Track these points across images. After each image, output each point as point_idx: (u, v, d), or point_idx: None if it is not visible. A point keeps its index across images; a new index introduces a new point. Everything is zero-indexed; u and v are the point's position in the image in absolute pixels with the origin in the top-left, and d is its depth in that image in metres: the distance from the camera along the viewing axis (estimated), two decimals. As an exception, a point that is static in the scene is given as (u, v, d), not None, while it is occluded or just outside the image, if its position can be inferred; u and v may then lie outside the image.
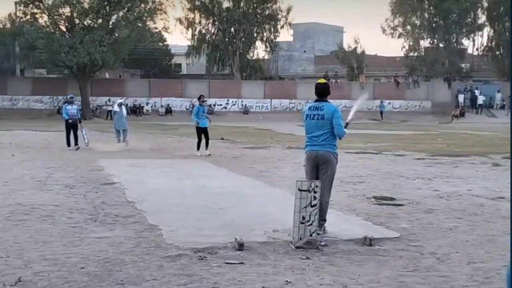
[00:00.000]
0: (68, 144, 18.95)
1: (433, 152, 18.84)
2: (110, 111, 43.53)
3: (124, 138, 20.54)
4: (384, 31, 57.37)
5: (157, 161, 15.83)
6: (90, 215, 8.42)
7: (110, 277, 5.55)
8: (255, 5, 55.11)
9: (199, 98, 18.41)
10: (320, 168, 7.35)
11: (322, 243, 6.78)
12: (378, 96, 51.69)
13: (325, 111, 7.28)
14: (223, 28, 54.54)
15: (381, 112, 48.62)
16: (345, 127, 7.46)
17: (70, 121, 19.04)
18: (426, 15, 56.14)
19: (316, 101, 7.45)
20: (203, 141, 17.53)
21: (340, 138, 7.41)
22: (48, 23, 44.69)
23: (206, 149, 17.44)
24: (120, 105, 21.28)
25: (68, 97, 20.48)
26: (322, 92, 7.44)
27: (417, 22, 56.71)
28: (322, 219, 7.18)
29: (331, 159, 7.34)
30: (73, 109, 19.46)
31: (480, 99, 49.78)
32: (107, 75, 55.79)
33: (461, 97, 50.02)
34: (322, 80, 7.66)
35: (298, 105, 51.14)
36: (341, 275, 5.71)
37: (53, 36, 43.01)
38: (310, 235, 6.61)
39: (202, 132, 17.57)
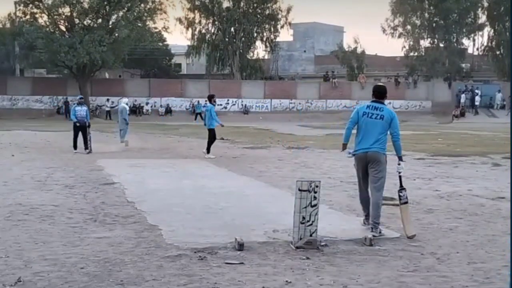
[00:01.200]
0: (75, 147, 17.81)
1: (433, 152, 18.83)
2: (109, 111, 43.67)
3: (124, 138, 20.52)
4: (384, 31, 57.45)
5: (157, 161, 15.82)
6: (90, 215, 8.42)
7: (110, 277, 5.54)
8: (255, 5, 55.11)
9: (211, 98, 17.31)
10: (371, 168, 7.35)
11: (322, 243, 6.77)
12: (378, 96, 51.67)
13: (385, 112, 7.38)
14: (223, 28, 54.55)
15: None
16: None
17: (78, 124, 17.93)
18: (426, 15, 56.14)
19: (373, 101, 7.52)
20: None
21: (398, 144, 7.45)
22: (47, 23, 44.69)
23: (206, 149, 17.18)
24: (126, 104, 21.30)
25: (78, 98, 19.55)
26: (382, 94, 7.57)
27: (417, 22, 56.72)
28: (376, 222, 7.28)
29: (382, 160, 7.37)
30: (82, 110, 18.25)
31: (477, 100, 49.67)
32: (107, 75, 55.80)
33: (463, 97, 50.01)
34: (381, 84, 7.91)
35: (298, 105, 51.19)
36: (341, 275, 5.71)
37: (52, 36, 43.02)
38: (310, 235, 6.61)
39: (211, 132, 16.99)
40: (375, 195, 7.32)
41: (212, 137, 17.01)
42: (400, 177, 7.56)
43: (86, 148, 17.76)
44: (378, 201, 7.32)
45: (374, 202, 7.31)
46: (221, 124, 17.17)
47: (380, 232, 7.24)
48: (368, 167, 7.39)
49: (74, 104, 20.92)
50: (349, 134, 7.67)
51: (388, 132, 7.42)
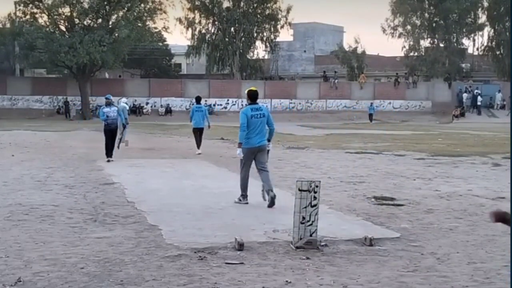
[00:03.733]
0: (108, 154, 15.66)
1: (433, 152, 18.83)
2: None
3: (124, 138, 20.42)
4: (384, 31, 57.50)
5: (157, 161, 15.82)
6: (90, 215, 8.42)
7: (110, 277, 5.54)
8: (255, 5, 55.12)
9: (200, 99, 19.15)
10: (260, 155, 9.42)
11: (322, 243, 6.77)
12: (378, 96, 51.74)
13: (263, 111, 9.52)
14: (223, 28, 54.55)
15: (371, 115, 45.24)
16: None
17: (110, 126, 15.76)
18: (426, 15, 56.17)
19: (252, 104, 9.44)
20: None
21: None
22: (47, 23, 44.70)
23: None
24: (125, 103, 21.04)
25: (105, 97, 16.50)
26: (256, 97, 9.56)
27: (417, 22, 56.76)
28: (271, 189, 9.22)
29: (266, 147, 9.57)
30: (112, 111, 15.88)
31: (479, 100, 49.69)
32: (107, 75, 55.81)
33: (465, 96, 50.02)
34: (254, 88, 9.76)
35: (298, 105, 51.19)
36: (341, 275, 5.70)
37: (52, 36, 43.02)
38: (310, 235, 6.60)
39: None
40: (266, 172, 9.31)
41: (201, 136, 18.26)
42: (268, 151, 9.72)
43: (110, 155, 15.69)
44: (268, 174, 9.35)
45: (266, 176, 9.26)
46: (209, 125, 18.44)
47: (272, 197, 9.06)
48: (257, 155, 9.37)
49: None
50: (245, 135, 9.29)
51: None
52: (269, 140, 9.64)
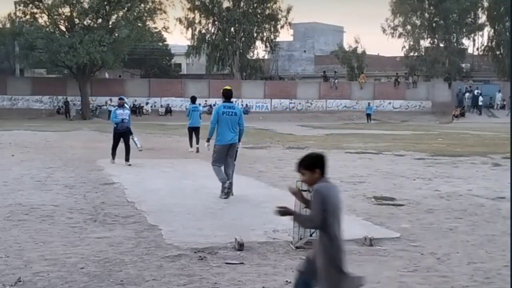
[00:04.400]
0: (113, 156, 15.13)
1: (433, 152, 18.83)
2: (111, 110, 43.63)
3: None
4: (384, 31, 57.48)
5: (157, 161, 15.81)
6: (90, 215, 8.42)
7: (110, 277, 5.54)
8: (255, 5, 55.13)
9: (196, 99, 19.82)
10: (231, 151, 10.03)
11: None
12: (378, 96, 51.73)
13: (236, 109, 10.07)
14: (223, 28, 54.55)
15: (368, 115, 45.19)
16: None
17: (121, 130, 15.16)
18: (426, 15, 56.16)
19: (225, 102, 10.02)
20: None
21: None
22: (47, 23, 44.69)
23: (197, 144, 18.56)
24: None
25: (119, 98, 15.92)
26: (230, 96, 10.15)
27: (417, 22, 56.74)
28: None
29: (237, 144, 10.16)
30: (125, 114, 15.24)
31: (480, 100, 49.70)
32: (107, 75, 55.81)
33: (467, 96, 50.00)
34: (228, 87, 10.34)
35: (298, 105, 51.18)
36: (341, 275, 5.70)
37: (52, 36, 43.02)
38: (310, 235, 6.60)
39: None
40: (233, 166, 10.11)
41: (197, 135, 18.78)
42: (236, 151, 10.23)
43: (127, 159, 15.01)
44: (234, 168, 10.16)
45: (233, 170, 10.09)
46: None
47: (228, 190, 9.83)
48: (228, 150, 9.96)
49: (114, 106, 17.34)
50: (214, 130, 10.07)
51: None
52: (239, 140, 10.18)
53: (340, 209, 4.18)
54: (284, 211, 4.16)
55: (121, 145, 15.15)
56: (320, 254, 4.05)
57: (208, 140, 10.35)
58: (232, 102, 10.20)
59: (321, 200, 3.98)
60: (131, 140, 15.26)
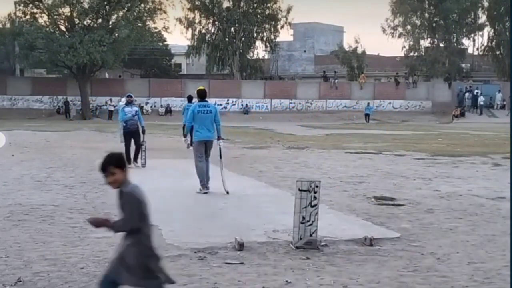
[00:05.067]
0: (129, 160, 13.62)
1: (433, 152, 18.83)
2: (112, 111, 43.58)
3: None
4: (384, 31, 57.44)
5: (157, 161, 15.79)
6: (90, 215, 8.40)
7: (110, 277, 5.53)
8: (255, 5, 55.10)
9: (192, 99, 18.82)
10: (208, 148, 10.70)
11: (322, 243, 6.77)
12: (378, 96, 51.71)
13: (211, 108, 10.67)
14: (223, 28, 54.53)
15: (367, 115, 45.01)
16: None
17: (130, 128, 14.35)
18: (426, 15, 56.14)
19: (200, 101, 10.66)
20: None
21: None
22: (47, 23, 44.66)
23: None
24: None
25: (127, 96, 15.15)
26: (204, 95, 10.82)
27: (417, 22, 56.70)
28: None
29: (213, 141, 10.73)
30: (133, 111, 14.48)
31: (481, 100, 49.68)
32: (107, 75, 55.79)
33: (467, 96, 49.98)
34: (202, 87, 11.02)
35: (298, 105, 51.17)
36: (341, 275, 5.71)
37: (52, 36, 42.99)
38: (310, 235, 6.60)
39: None
40: (207, 162, 10.64)
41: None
42: (220, 149, 10.77)
43: (135, 159, 14.30)
44: (208, 165, 10.67)
45: (207, 166, 10.57)
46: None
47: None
48: (206, 147, 10.61)
49: (122, 105, 16.51)
50: (190, 128, 11.01)
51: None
52: (219, 137, 10.73)
53: (149, 209, 4.31)
54: (96, 222, 4.45)
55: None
56: (130, 254, 4.19)
57: (185, 136, 11.53)
58: (206, 101, 10.80)
59: (137, 203, 4.27)
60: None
